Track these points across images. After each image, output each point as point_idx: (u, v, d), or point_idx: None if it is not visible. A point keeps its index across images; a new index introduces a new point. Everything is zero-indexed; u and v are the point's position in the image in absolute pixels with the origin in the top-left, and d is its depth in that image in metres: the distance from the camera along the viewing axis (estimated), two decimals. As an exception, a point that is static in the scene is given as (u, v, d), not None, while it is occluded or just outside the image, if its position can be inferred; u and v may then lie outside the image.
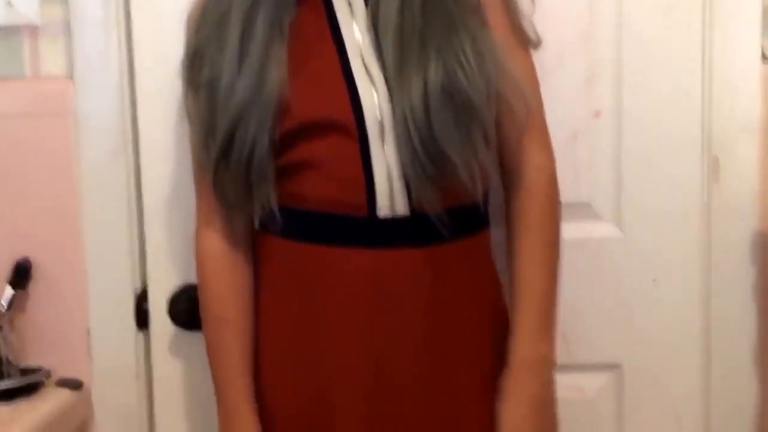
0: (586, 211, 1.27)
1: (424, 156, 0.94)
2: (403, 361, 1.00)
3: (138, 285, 1.30)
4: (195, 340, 1.27)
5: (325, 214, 1.00)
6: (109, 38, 1.25)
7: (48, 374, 1.28)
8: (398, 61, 0.96)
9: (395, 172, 0.97)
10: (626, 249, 1.27)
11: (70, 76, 1.27)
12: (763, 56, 1.23)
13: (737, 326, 1.27)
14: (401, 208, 0.99)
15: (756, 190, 1.24)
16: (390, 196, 0.98)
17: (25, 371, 1.26)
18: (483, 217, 1.07)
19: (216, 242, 1.08)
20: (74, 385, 1.28)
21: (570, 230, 1.21)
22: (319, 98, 0.99)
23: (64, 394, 1.25)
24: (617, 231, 1.27)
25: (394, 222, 0.99)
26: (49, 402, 1.22)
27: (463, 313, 1.03)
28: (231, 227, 1.07)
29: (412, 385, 1.00)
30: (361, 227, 0.99)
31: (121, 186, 1.28)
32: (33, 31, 1.26)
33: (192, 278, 1.23)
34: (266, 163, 0.97)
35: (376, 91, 0.98)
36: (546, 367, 1.05)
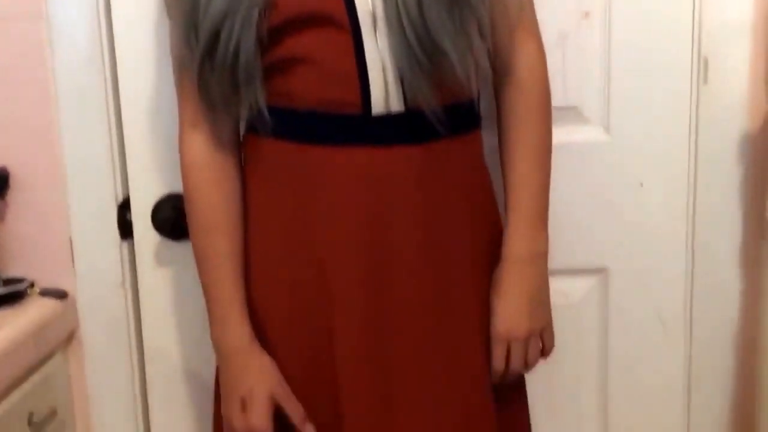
0: (574, 114, 1.25)
1: (418, 49, 0.91)
2: (399, 255, 0.99)
3: (120, 194, 1.28)
4: (181, 249, 1.26)
5: (318, 112, 0.97)
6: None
7: (31, 284, 1.27)
8: None
9: (389, 67, 0.95)
10: (613, 152, 1.26)
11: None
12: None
13: (722, 229, 1.28)
14: (396, 105, 0.96)
15: (745, 92, 1.23)
16: (385, 92, 0.95)
17: (7, 281, 1.25)
18: (477, 116, 1.06)
19: (202, 147, 1.04)
20: (59, 295, 1.27)
21: (558, 134, 1.19)
22: None
23: (49, 304, 1.24)
24: (605, 135, 1.26)
25: (388, 119, 0.96)
26: (34, 311, 1.21)
27: (457, 209, 1.02)
28: (217, 130, 1.03)
29: (408, 278, 1.00)
30: (355, 125, 0.97)
31: (98, 92, 1.24)
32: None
33: (176, 187, 1.21)
34: (253, 60, 0.93)
35: None
36: (540, 260, 1.06)
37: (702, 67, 1.23)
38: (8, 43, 1.24)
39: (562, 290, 1.28)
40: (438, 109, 0.95)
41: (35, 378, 1.17)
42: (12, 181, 1.26)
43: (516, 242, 1.05)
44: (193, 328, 1.28)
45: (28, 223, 1.28)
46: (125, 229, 1.29)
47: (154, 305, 1.30)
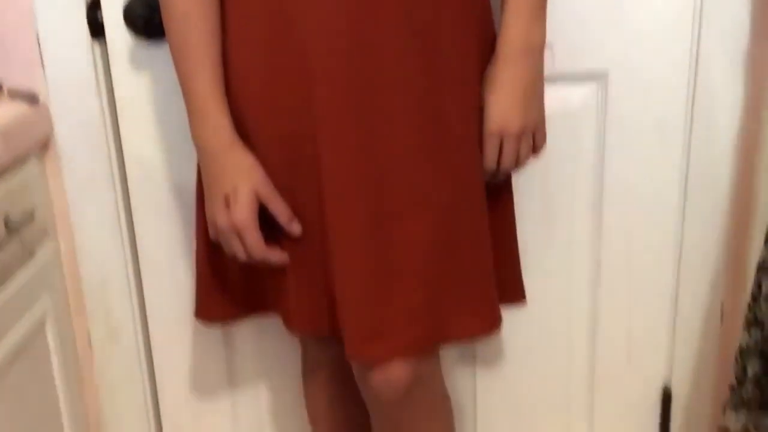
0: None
1: None
2: (384, 40, 0.93)
3: (88, -12, 1.19)
4: (156, 50, 1.19)
5: None
6: None
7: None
8: None
9: None
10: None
11: None
12: None
13: (727, 36, 1.21)
14: None
15: None
16: None
17: (-27, 81, 1.17)
18: None
19: None
20: (29, 98, 1.20)
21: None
22: None
23: (20, 107, 1.17)
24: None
25: None
26: (3, 112, 1.14)
27: (447, 16, 0.95)
28: None
29: (395, 68, 0.94)
30: None
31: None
32: None
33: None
34: None
35: None
36: (535, 53, 1.00)
37: None
38: None
39: (562, 96, 1.22)
40: None
41: (10, 181, 1.12)
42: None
43: (510, 32, 0.98)
44: (174, 131, 1.22)
45: (-8, 21, 1.19)
46: (96, 27, 1.20)
47: (132, 110, 1.23)
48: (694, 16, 1.21)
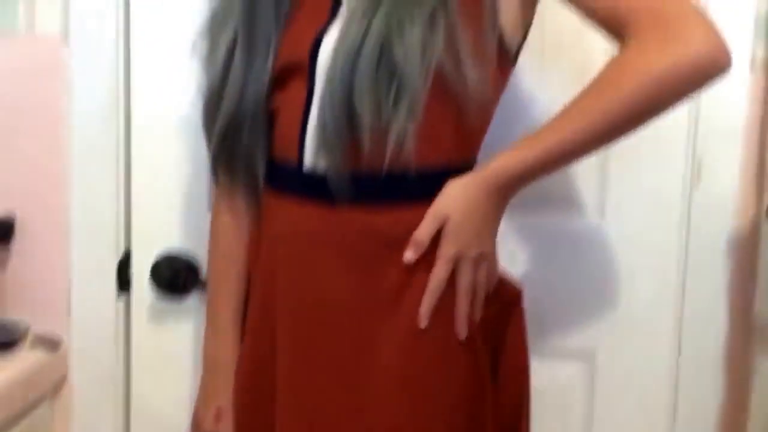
0: (568, 203, 1.29)
1: (335, 109, 0.90)
2: (323, 318, 0.97)
3: (122, 248, 1.31)
4: (175, 307, 1.29)
5: (275, 162, 1.01)
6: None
7: (26, 329, 1.28)
8: (355, 6, 0.93)
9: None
10: (606, 241, 1.29)
11: (65, 35, 1.26)
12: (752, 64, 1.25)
13: (709, 326, 1.29)
14: (321, 164, 0.94)
15: (736, 193, 1.27)
16: (314, 150, 0.95)
17: (3, 326, 1.26)
18: (403, 191, 0.95)
19: (222, 208, 1.11)
20: (52, 344, 1.28)
21: (551, 219, 1.24)
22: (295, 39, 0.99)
23: (41, 355, 1.25)
24: (599, 223, 1.30)
25: (315, 177, 0.95)
26: (26, 361, 1.22)
27: (348, 283, 0.96)
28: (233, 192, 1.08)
29: (333, 333, 0.97)
30: (290, 178, 0.99)
31: (111, 148, 1.28)
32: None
33: (175, 244, 1.26)
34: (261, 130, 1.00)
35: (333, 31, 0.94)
36: (502, 177, 0.92)
37: (696, 168, 1.27)
38: (27, 94, 1.28)
39: (550, 373, 1.29)
40: (341, 174, 0.92)
41: (21, 423, 1.17)
42: (18, 227, 1.29)
43: (496, 156, 0.93)
44: (180, 385, 1.29)
45: (31, 270, 1.30)
46: (123, 282, 1.31)
47: (145, 360, 1.31)
48: (675, 309, 1.30)
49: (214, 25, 1.02)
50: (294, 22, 1.00)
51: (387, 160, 0.90)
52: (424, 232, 0.93)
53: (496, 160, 0.92)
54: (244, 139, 1.00)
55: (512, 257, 1.23)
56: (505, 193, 0.94)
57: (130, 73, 1.27)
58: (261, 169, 1.02)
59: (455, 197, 0.93)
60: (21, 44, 1.28)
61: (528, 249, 1.28)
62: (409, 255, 0.93)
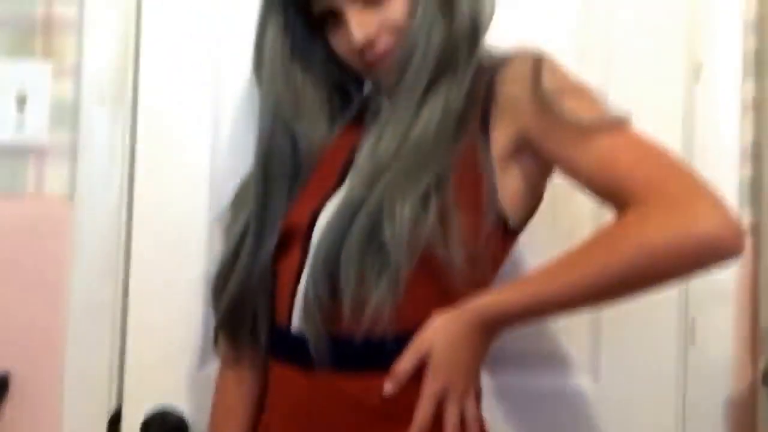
0: (562, 362, 1.28)
1: (321, 274, 0.93)
2: None
3: (113, 404, 1.30)
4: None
5: (275, 326, 1.04)
6: (113, 164, 1.30)
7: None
8: (355, 180, 0.97)
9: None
10: (601, 403, 1.27)
11: (71, 197, 1.31)
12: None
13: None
14: (303, 328, 0.97)
15: (730, 356, 1.26)
16: (299, 314, 0.98)
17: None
18: (381, 358, 0.94)
19: (226, 370, 1.16)
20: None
21: (545, 380, 1.23)
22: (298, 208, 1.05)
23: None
24: (593, 384, 1.28)
25: (301, 340, 0.96)
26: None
27: None
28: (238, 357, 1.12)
29: None
30: (281, 342, 1.02)
31: (108, 310, 1.30)
32: (40, 151, 1.31)
33: (166, 401, 1.26)
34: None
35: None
36: (486, 315, 0.91)
37: (689, 328, 1.26)
38: (30, 254, 1.31)
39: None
40: (320, 338, 0.94)
41: None
42: (11, 384, 1.29)
43: (484, 293, 0.93)
44: None
45: (20, 428, 1.29)
46: (114, 439, 1.30)
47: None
48: None
49: (237, 200, 1.12)
50: (306, 188, 1.06)
51: (364, 329, 0.91)
52: (405, 363, 0.92)
53: (483, 297, 0.92)
54: (250, 309, 1.06)
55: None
56: (489, 330, 0.92)
57: (131, 236, 1.30)
58: (264, 334, 1.06)
59: (437, 330, 0.92)
60: (28, 205, 1.32)
61: (519, 411, 1.26)
62: (389, 387, 0.92)
